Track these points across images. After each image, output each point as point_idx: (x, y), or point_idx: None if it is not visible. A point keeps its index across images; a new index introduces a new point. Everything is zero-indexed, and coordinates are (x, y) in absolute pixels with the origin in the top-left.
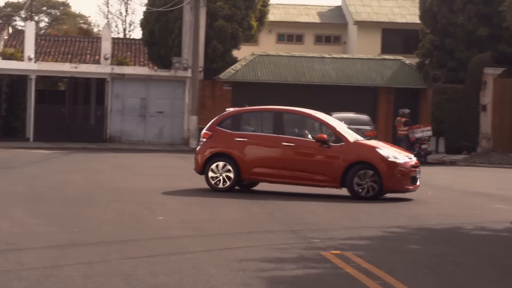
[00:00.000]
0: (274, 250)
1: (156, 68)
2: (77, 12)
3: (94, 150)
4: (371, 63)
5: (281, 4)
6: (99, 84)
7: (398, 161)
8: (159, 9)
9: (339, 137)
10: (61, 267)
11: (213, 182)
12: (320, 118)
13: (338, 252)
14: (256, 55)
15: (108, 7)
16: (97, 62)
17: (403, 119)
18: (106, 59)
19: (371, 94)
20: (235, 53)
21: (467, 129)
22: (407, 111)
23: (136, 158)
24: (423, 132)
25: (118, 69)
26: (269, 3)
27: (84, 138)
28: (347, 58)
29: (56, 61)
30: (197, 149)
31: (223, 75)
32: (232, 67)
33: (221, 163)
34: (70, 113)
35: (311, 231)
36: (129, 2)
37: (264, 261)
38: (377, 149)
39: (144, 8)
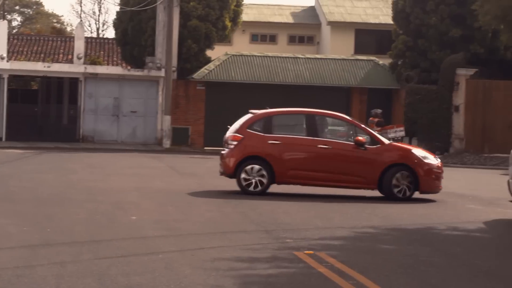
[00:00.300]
0: (248, 250)
1: (129, 67)
2: (50, 11)
3: (67, 150)
4: (345, 64)
5: (255, 4)
6: (72, 84)
7: (431, 162)
8: (132, 8)
9: (375, 140)
10: (33, 267)
11: (244, 184)
12: (354, 121)
13: (311, 252)
14: (229, 55)
15: (81, 6)
16: (70, 61)
17: (376, 119)
18: (79, 58)
19: (344, 94)
20: (209, 53)
21: (440, 130)
22: (379, 111)
23: (109, 158)
24: (396, 132)
25: (91, 69)
26: (242, 3)
27: (57, 138)
28: (320, 58)
29: (29, 60)
30: (225, 152)
31: (197, 75)
32: (206, 67)
33: (256, 166)
34: (43, 113)
35: (284, 231)
36: (102, 1)
37: (237, 261)
38: (413, 151)
39: (117, 8)
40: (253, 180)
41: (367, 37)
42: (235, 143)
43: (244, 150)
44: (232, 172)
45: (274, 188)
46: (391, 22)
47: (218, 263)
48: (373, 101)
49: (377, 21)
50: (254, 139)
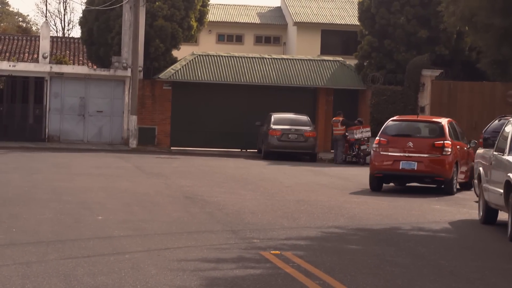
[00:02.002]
0: (214, 250)
1: (95, 67)
2: (15, 10)
3: (33, 150)
4: (311, 64)
5: (221, 4)
6: (37, 83)
7: None
8: (98, 7)
9: None
10: None
11: None
12: None
13: (277, 252)
14: (196, 55)
15: (46, 5)
16: (36, 61)
17: (340, 118)
18: (44, 57)
19: (310, 95)
20: (175, 53)
21: None
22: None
23: (75, 158)
24: (362, 133)
25: (56, 68)
26: (209, 3)
27: (22, 137)
28: (287, 58)
29: None
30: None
31: (163, 75)
32: (172, 67)
33: None
34: (8, 112)
35: (251, 231)
36: (67, 0)
37: (203, 261)
38: None
39: (83, 7)
40: None
41: (333, 38)
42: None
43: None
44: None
45: (242, 185)
46: (357, 23)
47: (184, 263)
48: (339, 101)
49: (343, 22)
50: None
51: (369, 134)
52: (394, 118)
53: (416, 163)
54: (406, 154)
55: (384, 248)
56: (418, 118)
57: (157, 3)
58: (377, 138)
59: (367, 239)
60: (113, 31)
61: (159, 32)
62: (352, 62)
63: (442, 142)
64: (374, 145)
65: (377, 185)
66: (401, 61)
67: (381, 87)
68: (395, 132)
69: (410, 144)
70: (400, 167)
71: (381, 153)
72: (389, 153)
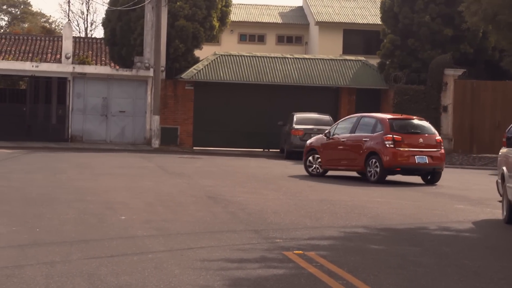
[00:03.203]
0: (237, 250)
1: (118, 67)
2: (38, 10)
3: (56, 150)
4: (333, 64)
5: (243, 4)
6: (60, 83)
7: None
8: (120, 8)
9: None
10: (22, 267)
11: None
12: None
13: (300, 252)
14: (218, 55)
15: (69, 6)
16: (59, 61)
17: None
18: (67, 58)
19: (333, 94)
20: (197, 53)
21: None
22: None
23: (98, 158)
24: None
25: (79, 68)
26: (231, 3)
27: (46, 138)
28: (309, 58)
29: (17, 60)
30: None
31: (185, 75)
32: (194, 67)
33: None
34: (31, 112)
35: (274, 231)
36: (90, 1)
37: (226, 261)
38: None
39: (106, 7)
40: None
41: (355, 37)
42: None
43: None
44: None
45: (264, 185)
46: (379, 22)
47: (207, 263)
48: (362, 101)
49: (365, 21)
50: None
51: None
52: (390, 117)
53: (427, 157)
54: (419, 149)
55: (407, 248)
56: (408, 116)
57: (178, 3)
58: (388, 135)
59: (390, 239)
60: (136, 32)
61: (180, 32)
62: (374, 61)
63: (440, 138)
64: (387, 142)
65: (384, 178)
66: (426, 59)
67: (403, 86)
68: (404, 129)
69: (421, 140)
70: (416, 161)
71: (398, 148)
72: (405, 149)
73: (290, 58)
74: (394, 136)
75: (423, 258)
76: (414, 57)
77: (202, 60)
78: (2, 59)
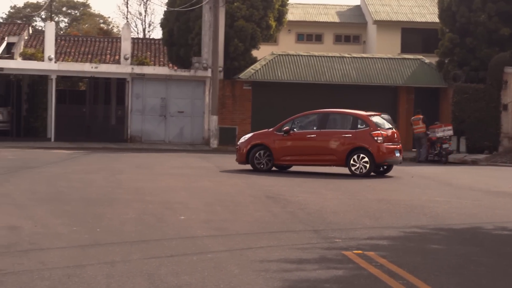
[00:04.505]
0: (296, 250)
1: (176, 68)
2: (96, 12)
3: (115, 150)
4: (391, 63)
5: (300, 4)
6: (119, 84)
7: None
8: (178, 8)
9: None
10: (83, 267)
11: None
12: None
13: (360, 252)
14: (275, 55)
15: (127, 7)
16: (117, 62)
17: (420, 116)
18: (126, 59)
19: (391, 93)
20: (255, 53)
21: (488, 129)
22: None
23: (157, 158)
24: (444, 131)
25: (138, 69)
26: (288, 2)
27: (105, 138)
28: (367, 57)
29: (76, 61)
30: None
31: (243, 75)
32: (252, 66)
33: None
34: (91, 113)
35: (333, 231)
36: (148, 2)
37: (286, 262)
38: None
39: (163, 8)
40: None
41: (414, 36)
42: None
43: None
44: None
45: (323, 185)
46: (437, 20)
47: (266, 263)
48: (420, 100)
49: (423, 19)
50: None
51: (451, 132)
52: (367, 113)
53: (399, 151)
54: (395, 144)
55: (468, 248)
56: (379, 113)
57: (235, 3)
58: (377, 132)
59: (451, 239)
60: (193, 32)
61: (239, 32)
62: (432, 60)
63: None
64: (377, 138)
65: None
66: (484, 58)
67: (463, 85)
68: (382, 126)
69: (395, 135)
70: (396, 155)
71: (386, 144)
72: (389, 144)
73: (348, 57)
74: (382, 132)
75: (484, 258)
76: (472, 55)
77: (259, 60)
78: (62, 61)
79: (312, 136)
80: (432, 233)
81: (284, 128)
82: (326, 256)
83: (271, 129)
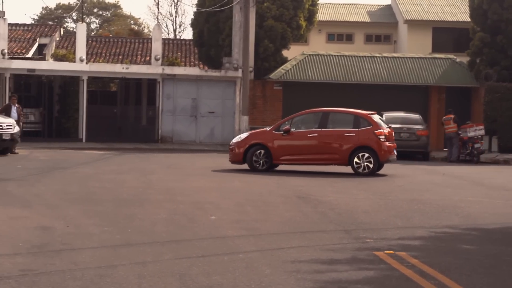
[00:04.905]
0: (327, 251)
1: (206, 68)
2: (127, 13)
3: (146, 151)
4: (422, 62)
5: (331, 4)
6: (150, 85)
7: None
8: (208, 9)
9: None
10: (115, 267)
11: None
12: None
13: (391, 252)
14: (306, 55)
15: (158, 8)
16: (148, 62)
17: (452, 116)
18: (157, 59)
19: (422, 93)
20: (285, 53)
21: None
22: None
23: (188, 158)
24: (476, 131)
25: (169, 70)
26: (318, 2)
27: (136, 139)
28: (397, 57)
29: (107, 62)
30: None
31: (274, 75)
32: (283, 67)
33: None
34: (122, 114)
35: (364, 231)
36: (179, 3)
37: (317, 262)
38: None
39: (194, 9)
40: None
41: (445, 35)
42: None
43: None
44: None
45: (355, 185)
46: (468, 19)
47: (298, 263)
48: (452, 99)
49: (454, 19)
50: None
51: (482, 132)
52: (368, 112)
53: (395, 150)
54: (393, 143)
55: (500, 248)
56: (375, 112)
57: (265, 3)
58: (380, 130)
59: (482, 239)
60: (224, 33)
61: (269, 32)
62: (464, 59)
63: None
64: (380, 137)
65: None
66: None
67: (494, 84)
68: (382, 124)
69: (393, 134)
70: (394, 153)
71: (388, 143)
72: (390, 143)
73: (379, 57)
74: (385, 131)
75: None
76: (503, 54)
77: (290, 60)
78: (93, 62)
79: (313, 135)
80: (463, 233)
81: (284, 128)
82: (357, 256)
83: (269, 128)
